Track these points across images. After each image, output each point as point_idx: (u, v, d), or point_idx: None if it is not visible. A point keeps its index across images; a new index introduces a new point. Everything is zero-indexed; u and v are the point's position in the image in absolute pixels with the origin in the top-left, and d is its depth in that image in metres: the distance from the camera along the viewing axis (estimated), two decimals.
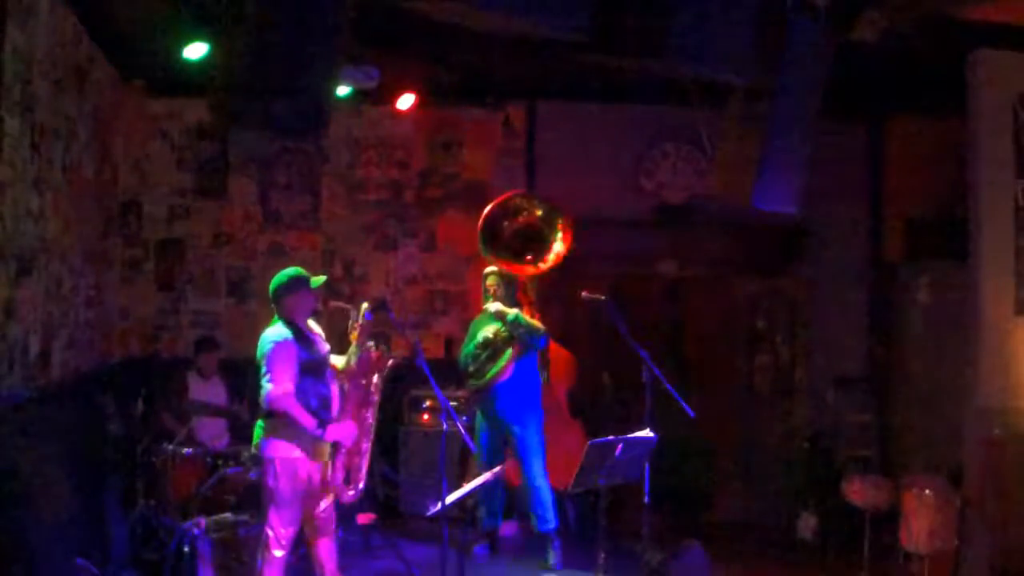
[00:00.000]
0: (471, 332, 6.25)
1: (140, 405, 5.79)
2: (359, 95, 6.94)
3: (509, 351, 6.01)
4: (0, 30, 4.53)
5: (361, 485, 4.83)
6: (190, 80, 6.53)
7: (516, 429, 6.02)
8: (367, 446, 4.85)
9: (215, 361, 6.77)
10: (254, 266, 7.77)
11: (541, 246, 6.04)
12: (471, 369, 6.13)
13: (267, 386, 4.55)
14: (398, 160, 7.98)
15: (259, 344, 4.69)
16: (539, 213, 6.12)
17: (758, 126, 5.10)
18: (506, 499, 6.37)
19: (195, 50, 6.01)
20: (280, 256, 7.73)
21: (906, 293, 7.57)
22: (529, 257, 6.02)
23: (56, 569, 4.72)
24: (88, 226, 6.47)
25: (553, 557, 6.03)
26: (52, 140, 5.50)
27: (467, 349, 6.19)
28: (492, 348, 6.06)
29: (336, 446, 4.70)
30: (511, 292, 6.08)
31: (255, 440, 4.74)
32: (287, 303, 4.74)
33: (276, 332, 4.68)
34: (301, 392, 4.63)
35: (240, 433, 6.41)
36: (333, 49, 4.25)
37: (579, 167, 7.86)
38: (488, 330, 6.11)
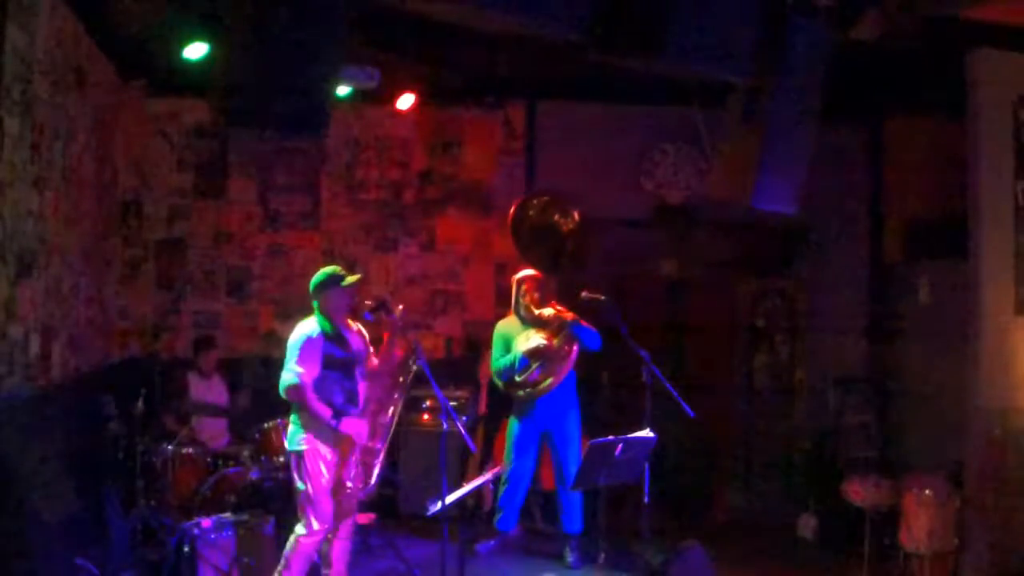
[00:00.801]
0: (504, 339, 6.15)
1: (140, 405, 5.79)
2: (359, 95, 6.94)
3: (565, 359, 5.95)
4: (0, 30, 4.53)
5: (373, 483, 4.90)
6: (190, 80, 6.52)
7: (557, 436, 6.03)
8: (381, 446, 4.95)
9: (214, 359, 6.78)
10: (254, 266, 7.78)
11: (560, 249, 6.04)
12: (519, 379, 6.03)
13: (284, 375, 4.73)
14: (398, 160, 7.98)
15: (291, 335, 4.86)
16: (567, 229, 6.14)
17: (758, 126, 5.10)
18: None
19: (195, 50, 6.01)
20: (280, 256, 7.74)
21: (906, 293, 7.57)
22: (563, 261, 6.03)
23: (56, 569, 4.72)
24: (88, 226, 6.47)
25: (571, 556, 6.06)
26: (52, 140, 5.50)
27: (511, 356, 6.06)
28: (546, 356, 5.96)
29: (350, 442, 4.77)
30: (544, 296, 6.02)
31: (291, 435, 4.86)
32: (320, 300, 4.93)
33: (307, 325, 4.88)
34: (326, 386, 4.76)
35: (240, 433, 6.41)
36: (333, 49, 4.25)
37: (579, 167, 7.85)
38: (535, 337, 6.00)
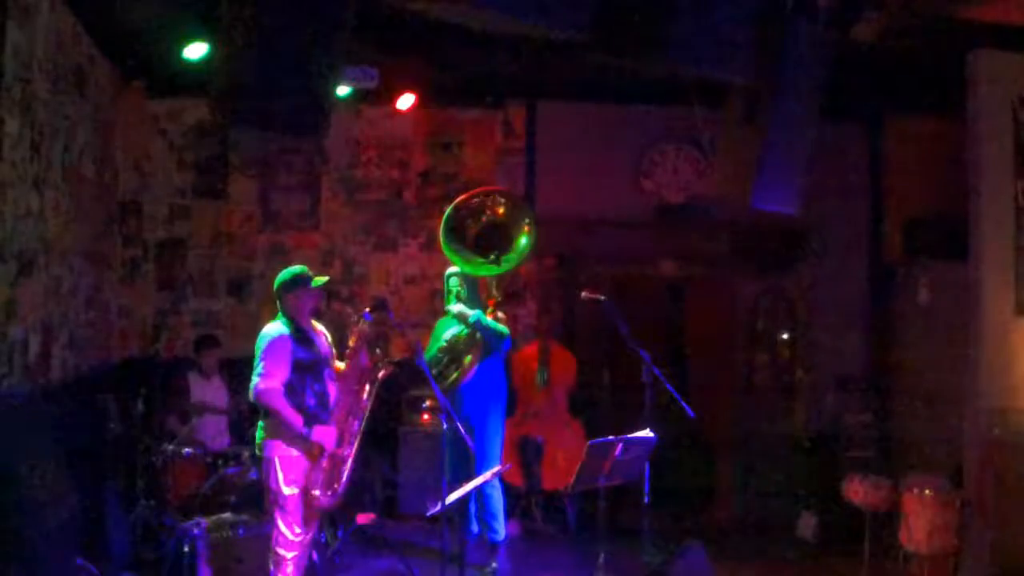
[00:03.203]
0: (435, 334, 6.11)
1: (140, 405, 5.79)
2: (359, 95, 6.95)
3: (470, 355, 5.86)
4: (0, 30, 4.53)
5: (340, 490, 4.76)
6: (190, 80, 6.53)
7: (477, 426, 5.82)
8: (350, 453, 4.79)
9: (216, 359, 6.77)
10: (254, 266, 7.78)
11: (505, 243, 5.92)
12: (434, 373, 5.89)
13: (255, 380, 4.60)
14: (398, 160, 7.98)
15: (257, 340, 4.73)
16: (502, 210, 6.04)
17: (758, 126, 5.10)
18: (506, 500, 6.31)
19: (195, 50, 6.02)
20: (280, 256, 7.74)
21: (906, 293, 7.57)
22: (492, 257, 5.90)
23: (56, 569, 4.72)
24: (88, 226, 6.47)
25: (493, 565, 5.88)
26: (52, 140, 5.50)
27: (430, 352, 6.02)
28: (453, 352, 5.91)
29: (320, 449, 4.69)
30: (475, 292, 5.95)
31: (257, 440, 4.77)
32: (288, 301, 4.79)
33: (274, 328, 4.74)
34: (297, 390, 4.65)
35: (240, 433, 6.42)
36: (333, 49, 4.25)
37: (579, 167, 7.86)
38: (449, 333, 5.98)
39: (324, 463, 4.70)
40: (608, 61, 6.50)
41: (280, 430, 4.64)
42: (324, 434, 4.69)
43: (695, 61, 4.67)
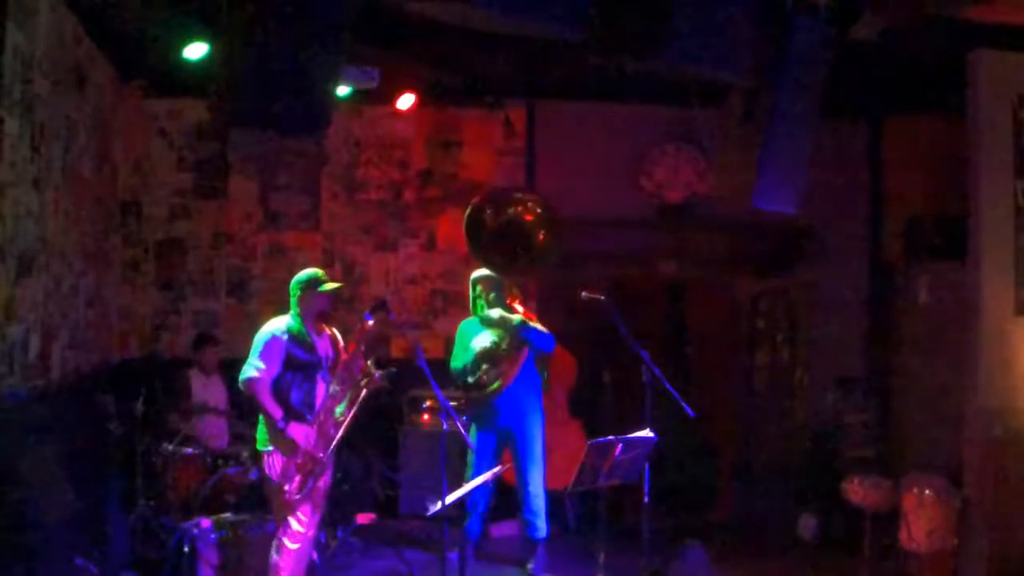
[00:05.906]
0: (461, 339, 6.06)
1: (140, 405, 5.79)
2: (359, 95, 6.95)
3: (513, 361, 5.86)
4: (0, 30, 4.53)
5: (308, 488, 4.78)
6: (190, 80, 6.54)
7: (518, 434, 5.89)
8: (324, 457, 4.81)
9: (216, 357, 6.78)
10: (254, 266, 7.78)
11: (528, 243, 5.88)
12: (471, 380, 5.93)
13: (245, 367, 4.77)
14: (398, 160, 7.98)
15: (257, 333, 4.89)
16: (539, 211, 5.98)
17: (758, 126, 5.10)
18: (498, 499, 6.30)
19: (195, 50, 6.02)
20: (280, 256, 7.74)
21: (906, 293, 7.57)
22: (520, 256, 5.87)
23: (56, 569, 4.72)
24: (88, 226, 6.47)
25: (533, 563, 5.94)
26: (52, 140, 5.50)
27: (463, 359, 5.96)
28: (494, 357, 5.87)
29: (295, 446, 4.75)
30: (501, 296, 5.92)
31: (258, 435, 4.84)
32: (299, 299, 4.96)
33: (273, 324, 4.91)
34: (284, 385, 4.78)
35: (240, 433, 6.41)
36: (334, 49, 4.26)
37: (579, 167, 7.85)
38: (486, 338, 5.93)
39: (298, 460, 4.75)
40: (608, 61, 6.52)
41: (272, 425, 4.75)
42: (299, 432, 4.78)
43: (695, 61, 4.67)
